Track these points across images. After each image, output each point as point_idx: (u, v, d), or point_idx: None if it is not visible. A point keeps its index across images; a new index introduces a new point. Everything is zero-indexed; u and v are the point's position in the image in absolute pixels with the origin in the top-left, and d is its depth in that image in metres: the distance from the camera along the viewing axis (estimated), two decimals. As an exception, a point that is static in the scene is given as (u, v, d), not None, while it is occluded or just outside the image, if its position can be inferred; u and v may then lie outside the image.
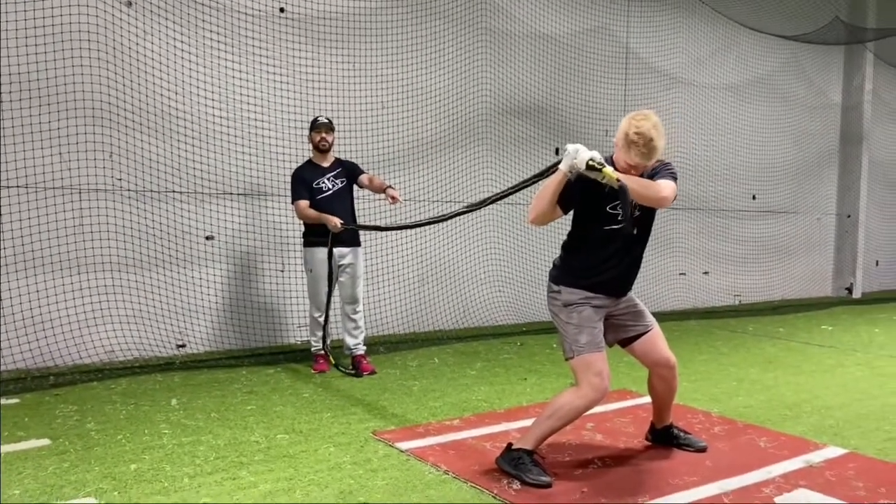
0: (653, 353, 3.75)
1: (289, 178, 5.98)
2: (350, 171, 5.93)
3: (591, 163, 3.18)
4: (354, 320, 5.83)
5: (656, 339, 3.76)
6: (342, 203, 5.80)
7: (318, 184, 5.73)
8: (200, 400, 4.92)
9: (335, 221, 5.58)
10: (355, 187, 5.95)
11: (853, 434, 4.38)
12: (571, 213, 3.59)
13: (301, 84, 6.81)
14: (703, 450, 3.96)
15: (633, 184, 3.23)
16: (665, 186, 3.36)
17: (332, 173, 5.82)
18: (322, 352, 5.91)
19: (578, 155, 3.20)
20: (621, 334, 3.74)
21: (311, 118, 6.15)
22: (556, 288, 3.61)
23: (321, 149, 5.80)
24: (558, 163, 3.36)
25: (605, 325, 3.65)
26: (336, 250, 5.70)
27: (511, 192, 4.00)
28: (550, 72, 8.50)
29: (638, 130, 3.29)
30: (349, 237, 5.78)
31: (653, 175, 3.46)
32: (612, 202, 3.43)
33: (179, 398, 4.95)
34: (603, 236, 3.51)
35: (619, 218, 3.37)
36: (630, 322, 3.72)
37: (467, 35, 7.80)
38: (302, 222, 5.87)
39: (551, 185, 3.36)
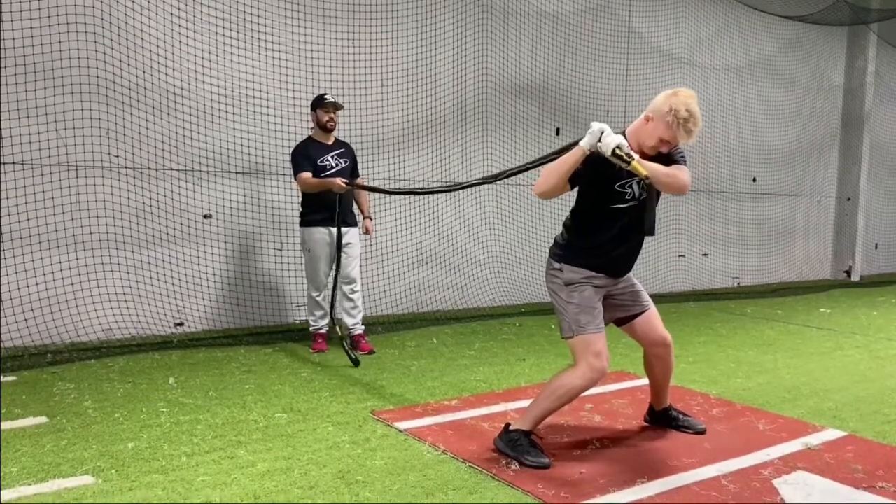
0: (650, 332, 3.74)
1: (287, 157, 5.93)
2: (353, 157, 5.87)
3: (618, 151, 3.15)
4: (352, 300, 5.80)
5: (653, 318, 3.75)
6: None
7: (322, 161, 5.64)
8: (198, 379, 4.91)
9: (339, 181, 5.44)
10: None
11: (851, 417, 4.39)
12: (575, 190, 3.55)
13: (301, 61, 6.73)
14: (702, 432, 3.96)
15: (660, 173, 3.24)
16: (687, 174, 3.36)
17: (336, 152, 5.74)
18: (321, 331, 5.88)
19: (604, 139, 3.18)
20: (619, 313, 3.73)
21: (310, 96, 6.09)
22: (557, 266, 3.57)
23: (328, 128, 5.68)
24: (577, 141, 3.31)
25: (603, 305, 3.63)
26: (334, 229, 5.62)
27: (527, 167, 3.94)
28: (551, 51, 8.42)
29: (690, 109, 3.28)
30: (349, 217, 5.74)
31: (669, 158, 3.43)
32: (620, 181, 3.40)
33: (177, 377, 4.94)
34: (609, 215, 3.47)
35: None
36: (628, 301, 3.71)
37: (468, 13, 7.72)
38: (300, 202, 5.82)
39: (568, 160, 3.30)
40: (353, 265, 5.79)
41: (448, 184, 4.89)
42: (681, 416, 4.05)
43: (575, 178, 3.37)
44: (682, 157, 3.49)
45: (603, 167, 3.35)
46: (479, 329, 6.91)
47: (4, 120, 5.46)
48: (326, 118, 5.66)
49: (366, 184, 5.96)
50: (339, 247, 5.58)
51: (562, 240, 3.63)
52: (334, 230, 5.61)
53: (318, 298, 5.81)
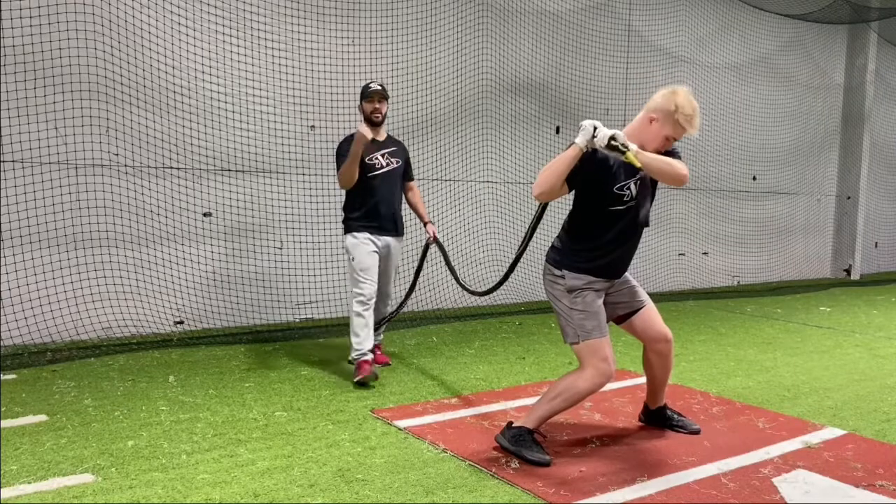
0: (650, 328, 3.74)
1: (287, 155, 5.89)
2: (406, 158, 5.21)
3: (612, 142, 3.18)
4: (383, 314, 5.36)
5: (652, 314, 3.75)
6: (395, 186, 5.08)
7: (371, 159, 4.92)
8: (198, 377, 4.92)
9: (363, 129, 4.70)
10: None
11: (851, 415, 4.39)
12: (573, 195, 3.56)
13: (301, 60, 6.73)
14: (696, 432, 3.95)
15: (658, 162, 3.26)
16: (683, 165, 3.37)
17: (388, 150, 5.05)
18: (367, 358, 4.85)
19: (599, 132, 3.20)
20: (617, 311, 3.73)
21: (310, 94, 6.06)
22: (558, 273, 3.56)
23: (374, 121, 4.94)
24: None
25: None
26: (380, 239, 4.99)
27: (526, 244, 4.04)
28: (551, 49, 8.42)
29: (694, 106, 3.42)
30: (387, 224, 5.05)
31: (669, 153, 3.47)
32: (618, 183, 3.41)
33: (177, 375, 4.95)
34: (608, 217, 3.48)
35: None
36: (626, 299, 3.71)
37: (468, 11, 7.71)
38: (342, 206, 5.10)
39: (565, 159, 3.31)
40: (392, 280, 5.27)
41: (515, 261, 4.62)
42: (675, 416, 4.04)
43: (573, 180, 3.39)
44: (679, 155, 3.52)
45: (603, 169, 3.37)
46: (479, 328, 6.91)
47: (4, 118, 5.45)
48: (371, 109, 4.93)
49: (439, 242, 5.45)
50: (423, 257, 5.48)
51: (560, 245, 3.63)
52: (382, 239, 5.01)
53: (363, 312, 4.91)
